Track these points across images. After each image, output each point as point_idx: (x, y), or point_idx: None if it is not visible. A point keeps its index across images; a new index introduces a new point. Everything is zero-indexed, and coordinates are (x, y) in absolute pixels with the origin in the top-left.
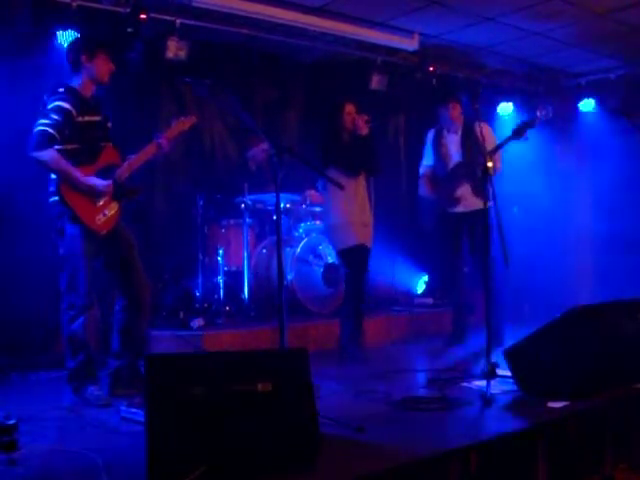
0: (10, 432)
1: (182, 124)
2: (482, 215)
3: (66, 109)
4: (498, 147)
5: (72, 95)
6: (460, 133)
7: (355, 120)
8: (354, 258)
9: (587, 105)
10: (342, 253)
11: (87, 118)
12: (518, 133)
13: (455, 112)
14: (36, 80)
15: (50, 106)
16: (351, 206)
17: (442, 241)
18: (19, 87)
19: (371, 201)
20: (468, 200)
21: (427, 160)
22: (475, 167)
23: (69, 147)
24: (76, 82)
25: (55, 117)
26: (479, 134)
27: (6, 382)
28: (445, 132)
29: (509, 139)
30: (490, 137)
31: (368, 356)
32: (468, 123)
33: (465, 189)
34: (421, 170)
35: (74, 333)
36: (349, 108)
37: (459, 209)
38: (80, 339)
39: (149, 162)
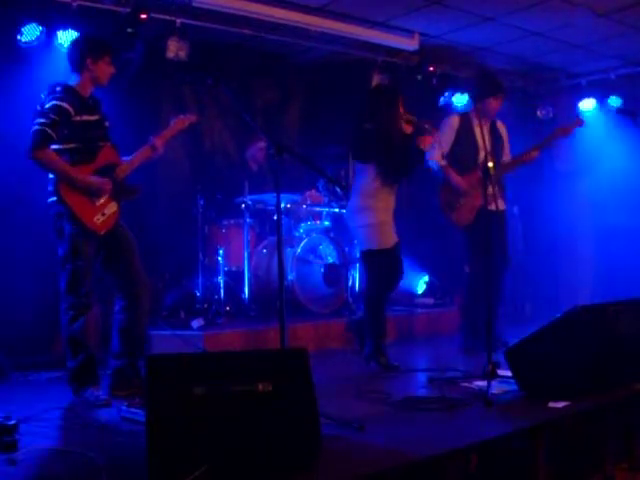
0: (10, 432)
1: (182, 122)
2: (508, 216)
3: (64, 108)
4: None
5: (70, 94)
6: (489, 127)
7: (402, 116)
8: (389, 259)
9: (587, 105)
10: (375, 253)
11: (85, 117)
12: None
13: (499, 106)
14: (36, 79)
15: (48, 105)
16: (389, 204)
17: (476, 238)
18: (19, 87)
19: None
20: (497, 199)
21: (445, 147)
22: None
23: (67, 146)
24: (75, 81)
25: (53, 116)
26: (502, 133)
27: (6, 382)
28: (475, 122)
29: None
30: (507, 137)
31: (392, 364)
32: (493, 120)
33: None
34: (441, 161)
35: (74, 334)
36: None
37: (492, 207)
38: (80, 340)
39: (146, 163)
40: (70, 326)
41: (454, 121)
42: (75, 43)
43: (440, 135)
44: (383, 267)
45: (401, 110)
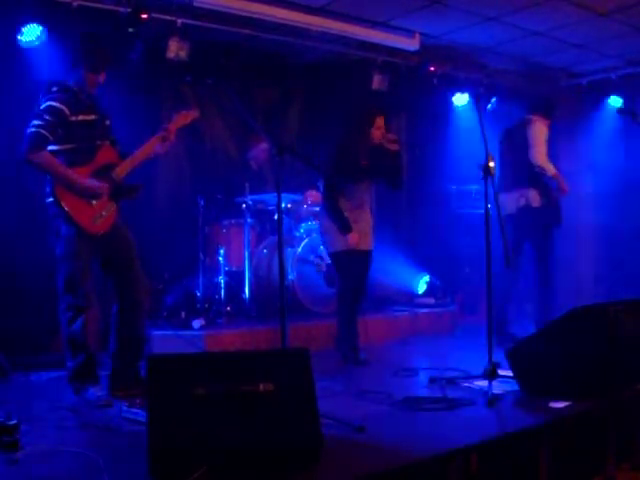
0: (11, 432)
1: (184, 117)
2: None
3: (59, 109)
4: None
5: (66, 94)
6: None
7: (384, 136)
8: (342, 262)
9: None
10: (331, 256)
11: (81, 117)
12: None
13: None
14: (36, 79)
15: (43, 106)
16: (346, 211)
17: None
18: (19, 87)
19: (372, 209)
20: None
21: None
22: None
23: (64, 147)
24: (72, 80)
25: (47, 118)
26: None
27: (6, 382)
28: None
29: None
30: None
31: (361, 359)
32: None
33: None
34: (549, 164)
35: (73, 334)
36: (379, 122)
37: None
38: (79, 340)
39: (152, 156)
40: (69, 326)
41: (545, 128)
42: (74, 46)
43: (540, 139)
44: (343, 268)
45: (383, 131)
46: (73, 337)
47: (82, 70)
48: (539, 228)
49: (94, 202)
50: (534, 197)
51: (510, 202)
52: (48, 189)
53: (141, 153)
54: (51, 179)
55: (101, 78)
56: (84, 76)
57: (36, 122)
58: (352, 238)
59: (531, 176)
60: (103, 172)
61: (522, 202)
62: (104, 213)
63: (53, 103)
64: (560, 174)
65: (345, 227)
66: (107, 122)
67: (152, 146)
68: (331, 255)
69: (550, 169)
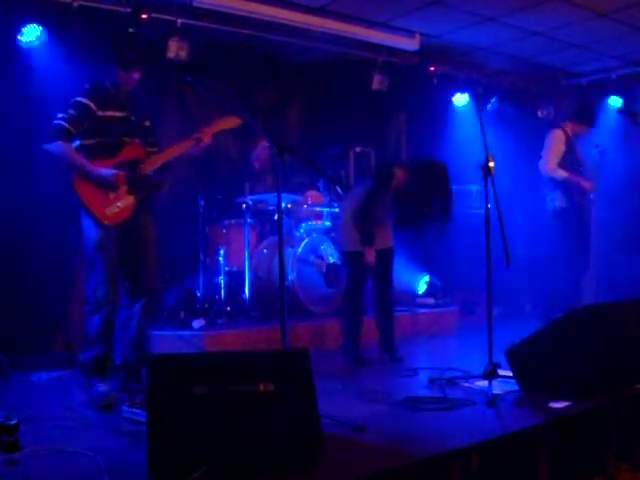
0: (11, 432)
1: (226, 122)
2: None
3: (84, 104)
4: None
5: (96, 91)
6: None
7: None
8: (353, 262)
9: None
10: (343, 254)
11: (109, 113)
12: None
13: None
14: (37, 79)
15: (71, 101)
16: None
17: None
18: (20, 88)
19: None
20: None
21: (558, 159)
22: None
23: (87, 142)
24: (108, 78)
25: (71, 112)
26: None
27: (6, 382)
28: (571, 136)
29: None
30: None
31: (364, 359)
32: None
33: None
34: (560, 171)
35: (88, 328)
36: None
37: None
38: (91, 335)
39: (184, 157)
40: (86, 320)
41: (562, 135)
42: (112, 45)
43: (552, 147)
44: (353, 267)
45: None
46: (88, 331)
47: (116, 68)
48: (565, 229)
49: (111, 194)
50: (558, 199)
51: (545, 204)
52: (70, 181)
53: (171, 151)
54: (70, 170)
55: (135, 76)
56: (118, 74)
57: (60, 115)
58: (369, 254)
59: (552, 180)
60: (126, 167)
61: (549, 205)
62: (120, 204)
63: (80, 99)
64: (574, 175)
65: (368, 241)
66: (147, 123)
67: (184, 147)
68: (343, 253)
69: (559, 175)
